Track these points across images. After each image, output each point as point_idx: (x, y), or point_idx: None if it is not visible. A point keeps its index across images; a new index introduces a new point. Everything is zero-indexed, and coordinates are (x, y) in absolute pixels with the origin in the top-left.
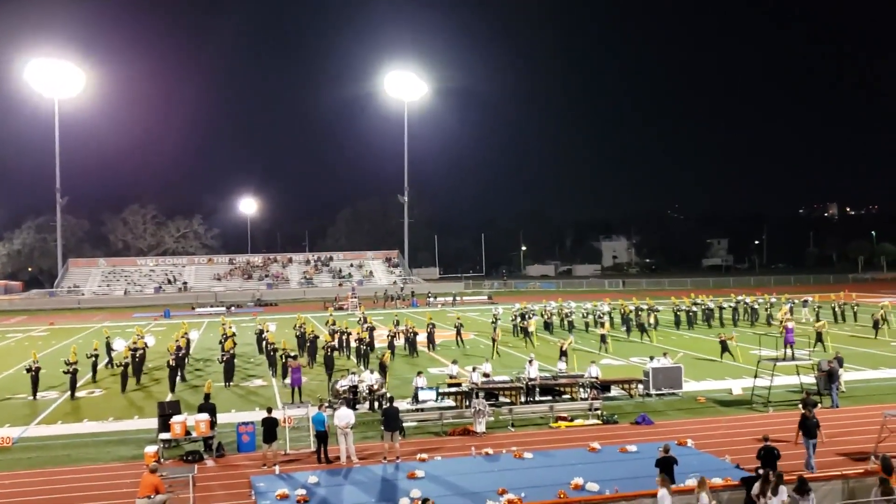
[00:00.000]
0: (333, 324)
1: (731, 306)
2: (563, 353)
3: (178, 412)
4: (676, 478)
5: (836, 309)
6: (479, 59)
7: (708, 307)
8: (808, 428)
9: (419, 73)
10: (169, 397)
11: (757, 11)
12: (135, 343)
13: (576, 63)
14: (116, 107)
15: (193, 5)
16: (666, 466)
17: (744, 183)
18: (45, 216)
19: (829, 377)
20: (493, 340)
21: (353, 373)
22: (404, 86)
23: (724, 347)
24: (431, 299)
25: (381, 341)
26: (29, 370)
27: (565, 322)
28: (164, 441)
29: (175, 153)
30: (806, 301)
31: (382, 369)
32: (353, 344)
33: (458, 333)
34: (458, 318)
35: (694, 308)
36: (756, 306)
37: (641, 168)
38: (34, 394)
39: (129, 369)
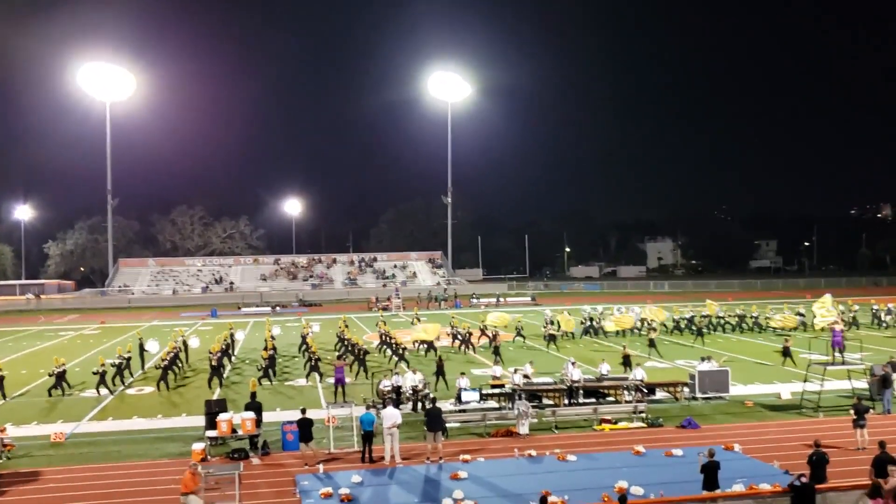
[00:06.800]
0: (384, 324)
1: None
2: (627, 360)
3: (225, 410)
4: (722, 483)
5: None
6: (523, 60)
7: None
8: (882, 465)
9: (462, 73)
10: (217, 394)
11: (803, 10)
12: (174, 345)
13: (620, 63)
14: (165, 110)
15: (239, 10)
16: (710, 471)
17: (793, 183)
18: (96, 217)
19: (882, 382)
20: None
21: (396, 373)
22: (448, 87)
23: (786, 353)
24: (475, 300)
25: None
26: (51, 374)
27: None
28: (210, 438)
29: (222, 156)
30: None
31: (440, 371)
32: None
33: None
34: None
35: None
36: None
37: (687, 169)
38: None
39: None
